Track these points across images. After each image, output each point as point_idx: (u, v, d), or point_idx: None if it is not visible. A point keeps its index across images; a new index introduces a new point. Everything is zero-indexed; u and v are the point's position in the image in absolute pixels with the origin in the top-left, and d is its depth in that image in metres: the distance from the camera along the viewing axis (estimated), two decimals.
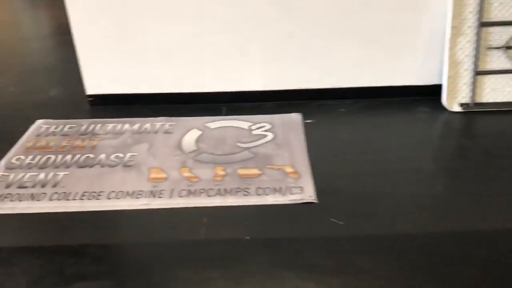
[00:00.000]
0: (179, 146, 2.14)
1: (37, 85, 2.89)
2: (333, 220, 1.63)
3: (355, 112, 2.39)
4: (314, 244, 1.53)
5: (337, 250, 1.50)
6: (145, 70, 2.44)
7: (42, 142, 2.20)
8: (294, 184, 1.83)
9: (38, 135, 2.27)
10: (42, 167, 2.00)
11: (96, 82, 2.47)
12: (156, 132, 2.27)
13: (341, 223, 1.62)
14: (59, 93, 2.75)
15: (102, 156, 2.07)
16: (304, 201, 1.74)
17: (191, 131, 2.27)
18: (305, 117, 2.35)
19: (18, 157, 2.09)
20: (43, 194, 1.82)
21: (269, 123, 2.31)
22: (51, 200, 1.79)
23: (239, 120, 2.35)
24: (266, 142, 2.15)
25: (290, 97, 2.50)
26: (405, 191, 1.79)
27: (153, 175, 1.92)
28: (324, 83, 2.46)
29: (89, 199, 1.79)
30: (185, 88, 2.49)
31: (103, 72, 2.45)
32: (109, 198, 1.79)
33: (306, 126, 2.26)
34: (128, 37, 2.37)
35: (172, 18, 2.32)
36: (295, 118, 2.36)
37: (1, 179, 1.92)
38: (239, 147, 2.12)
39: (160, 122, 2.35)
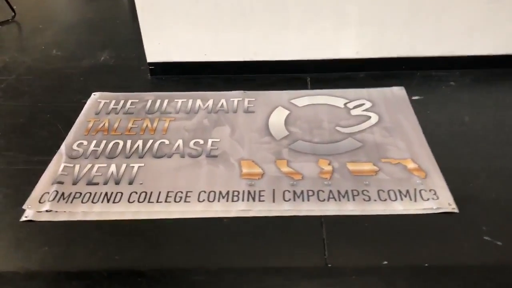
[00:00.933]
0: (267, 130, 1.80)
1: (83, 47, 2.53)
2: (487, 238, 1.31)
3: (470, 86, 2.00)
4: (475, 274, 1.22)
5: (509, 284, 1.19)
6: (216, 34, 2.06)
7: (105, 122, 1.88)
8: (423, 186, 1.49)
9: (97, 113, 1.94)
10: (111, 156, 1.69)
11: (158, 48, 2.11)
12: (235, 111, 1.92)
13: (499, 243, 1.29)
14: (111, 57, 2.39)
15: (179, 142, 1.75)
16: (442, 210, 1.41)
17: (277, 110, 1.92)
18: (408, 92, 1.97)
19: (79, 142, 1.77)
20: (119, 194, 1.52)
21: (368, 100, 1.94)
22: (130, 202, 1.49)
23: (330, 95, 1.99)
24: (372, 126, 1.79)
25: (386, 66, 2.11)
26: None
27: (246, 170, 1.60)
28: (431, 51, 2.06)
29: (176, 201, 1.49)
30: (263, 55, 2.11)
31: (167, 36, 2.08)
32: (200, 201, 1.48)
33: (414, 105, 1.89)
34: None
35: None
36: (399, 93, 1.98)
37: (65, 172, 1.62)
38: (339, 132, 1.77)
39: (237, 98, 1.99)
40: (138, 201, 1.49)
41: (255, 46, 2.08)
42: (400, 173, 1.55)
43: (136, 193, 1.52)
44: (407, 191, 1.48)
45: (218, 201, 1.48)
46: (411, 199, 1.45)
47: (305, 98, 1.97)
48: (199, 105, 1.96)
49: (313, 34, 2.03)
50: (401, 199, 1.45)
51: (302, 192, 1.50)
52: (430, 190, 1.48)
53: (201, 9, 2.00)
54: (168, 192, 1.52)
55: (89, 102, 2.02)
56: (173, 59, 2.13)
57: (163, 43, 2.09)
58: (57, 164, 1.66)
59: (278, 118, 1.86)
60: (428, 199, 1.44)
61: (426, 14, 1.97)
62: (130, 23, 2.80)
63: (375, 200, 1.45)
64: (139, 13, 2.01)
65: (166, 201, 1.49)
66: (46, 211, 1.47)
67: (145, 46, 2.10)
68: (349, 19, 1.99)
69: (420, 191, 1.48)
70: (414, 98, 1.93)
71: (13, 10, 2.90)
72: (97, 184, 1.57)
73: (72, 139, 1.79)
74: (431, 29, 2.00)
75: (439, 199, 1.44)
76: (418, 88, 2.00)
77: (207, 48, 2.09)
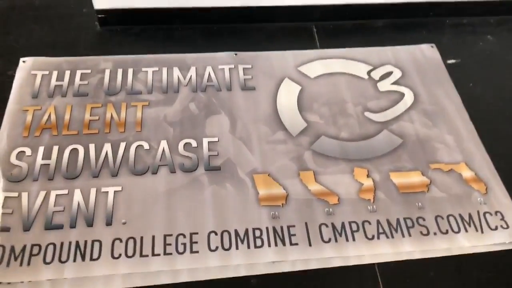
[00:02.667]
0: (277, 120, 1.37)
1: None
2: None
3: (510, 42, 1.64)
4: None
5: None
6: None
7: (50, 113, 1.34)
8: (487, 207, 1.21)
9: (35, 96, 1.38)
10: (71, 175, 1.21)
11: None
12: (228, 87, 1.44)
13: None
14: None
15: (163, 146, 1.29)
16: None
17: (284, 84, 1.47)
18: (440, 50, 1.58)
19: (19, 150, 1.25)
20: (97, 245, 1.10)
21: (395, 66, 1.54)
22: (115, 258, 1.08)
23: (348, 59, 1.55)
24: (409, 110, 1.42)
25: (410, 12, 1.68)
26: None
27: (263, 191, 1.21)
28: None
29: (179, 252, 1.10)
30: None
31: None
32: (212, 250, 1.11)
33: (451, 72, 1.53)
34: None
35: None
36: (431, 55, 1.58)
37: (8, 209, 1.14)
38: (371, 120, 1.39)
39: (227, 65, 1.50)
40: (127, 256, 1.08)
41: None
42: (456, 187, 1.25)
43: (121, 241, 1.10)
44: (470, 216, 1.19)
45: (237, 248, 1.11)
46: (476, 229, 1.17)
47: (316, 64, 1.52)
48: (178, 77, 1.45)
49: None
50: (465, 230, 1.17)
51: (343, 225, 1.16)
52: (496, 213, 1.20)
53: None
54: (165, 236, 1.12)
55: (19, 75, 1.43)
56: (132, 5, 1.53)
57: None
58: None
59: (288, 98, 1.42)
60: (496, 228, 1.17)
61: None
62: None
63: (435, 234, 1.16)
64: None
65: (165, 253, 1.09)
66: None
67: None
68: None
69: (484, 214, 1.20)
70: (449, 62, 1.55)
71: None
72: (61, 227, 1.12)
73: (8, 146, 1.26)
74: None
75: (509, 228, 1.17)
76: (451, 46, 1.61)
77: None
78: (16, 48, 1.49)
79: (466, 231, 1.16)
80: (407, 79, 1.50)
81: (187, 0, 1.53)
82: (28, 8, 1.63)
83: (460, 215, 1.19)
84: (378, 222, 1.17)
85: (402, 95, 1.45)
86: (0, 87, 1.39)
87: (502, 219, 1.19)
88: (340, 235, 1.14)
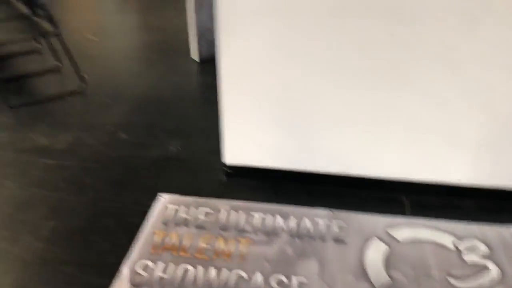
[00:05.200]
0: (363, 272, 1.51)
1: (152, 132, 2.36)
2: None
3: None
4: None
5: None
6: (305, 142, 1.84)
7: (173, 238, 1.64)
8: None
9: (165, 223, 1.71)
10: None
11: (239, 151, 1.90)
12: (322, 238, 1.64)
13: None
14: (182, 149, 2.20)
15: (259, 277, 1.48)
16: None
17: (372, 242, 1.63)
18: None
19: (145, 262, 1.54)
20: None
21: (482, 241, 1.63)
22: None
23: (435, 229, 1.68)
24: (492, 283, 1.46)
25: (502, 197, 1.79)
26: None
27: None
28: None
29: None
30: (356, 169, 1.85)
31: (250, 140, 1.87)
32: None
33: None
34: (289, 98, 1.77)
35: (353, 80, 1.68)
36: None
37: None
38: (453, 286, 1.45)
39: (323, 219, 1.72)
40: None
41: (346, 159, 1.84)
42: None
43: None
44: None
45: None
46: None
47: (405, 229, 1.68)
48: (279, 223, 1.70)
49: (418, 151, 1.77)
50: None
51: None
52: None
53: (291, 114, 1.80)
54: None
55: (156, 206, 1.80)
56: (254, 164, 1.91)
57: (245, 147, 1.88)
58: None
59: (376, 256, 1.57)
60: None
61: None
62: (199, 105, 2.66)
63: None
64: (223, 114, 1.82)
65: None
66: None
67: (225, 149, 1.89)
68: (466, 139, 1.72)
69: None
70: None
71: (83, 81, 2.79)
72: None
73: (137, 257, 1.55)
74: None
75: None
76: None
77: (293, 156, 1.87)
78: (159, 185, 1.90)
79: None
80: (494, 255, 1.57)
81: (295, 163, 1.87)
82: (174, 159, 2.11)
83: None
84: None
85: (487, 268, 1.51)
86: (141, 215, 1.75)
87: None
88: None
